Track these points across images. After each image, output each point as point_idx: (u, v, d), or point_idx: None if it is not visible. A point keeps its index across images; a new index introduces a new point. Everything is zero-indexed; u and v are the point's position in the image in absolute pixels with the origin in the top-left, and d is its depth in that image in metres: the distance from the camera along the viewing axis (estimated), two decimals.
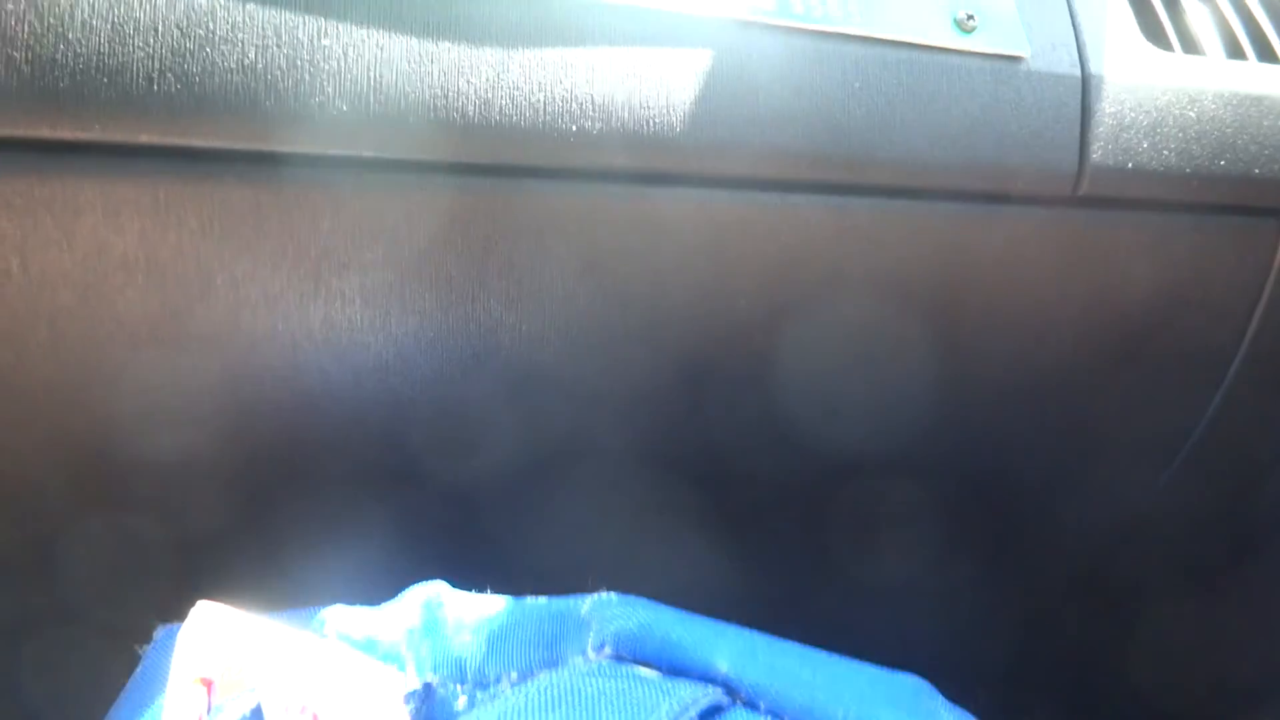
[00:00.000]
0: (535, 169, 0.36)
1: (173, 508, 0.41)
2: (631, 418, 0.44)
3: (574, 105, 0.35)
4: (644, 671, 0.27)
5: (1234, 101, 0.45)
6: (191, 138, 0.32)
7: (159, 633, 0.30)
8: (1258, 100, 0.45)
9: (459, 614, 0.30)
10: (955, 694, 0.28)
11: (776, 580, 0.57)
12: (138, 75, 0.31)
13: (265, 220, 0.34)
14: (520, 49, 0.35)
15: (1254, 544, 0.61)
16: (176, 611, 0.29)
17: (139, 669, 0.29)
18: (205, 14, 0.32)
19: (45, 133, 0.31)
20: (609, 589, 0.29)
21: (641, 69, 0.36)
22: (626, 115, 0.36)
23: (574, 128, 0.35)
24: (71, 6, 0.31)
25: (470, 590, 0.31)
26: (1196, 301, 0.47)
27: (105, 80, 0.31)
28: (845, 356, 0.45)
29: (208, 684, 0.24)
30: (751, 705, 0.26)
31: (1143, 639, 0.65)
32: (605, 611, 0.28)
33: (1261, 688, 0.60)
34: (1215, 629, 0.63)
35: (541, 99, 0.35)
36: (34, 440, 0.37)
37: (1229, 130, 0.44)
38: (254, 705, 0.24)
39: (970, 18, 0.41)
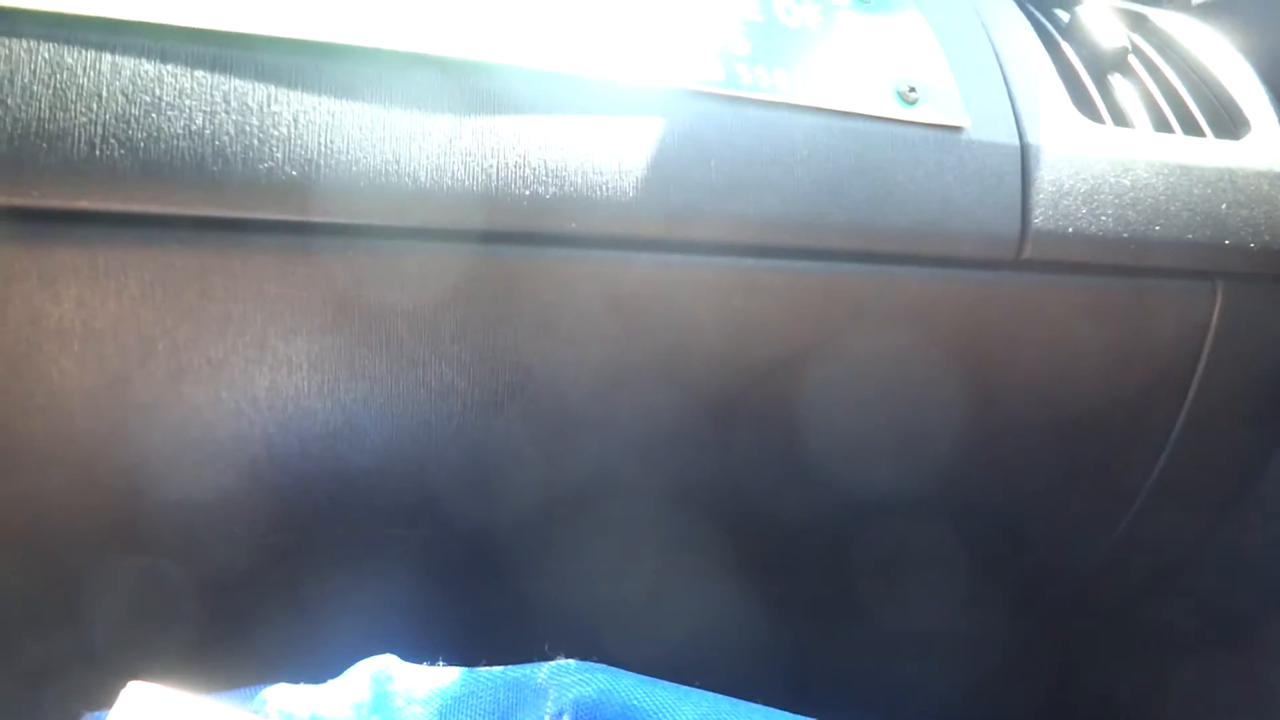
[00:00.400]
0: (488, 234, 0.36)
1: (106, 585, 0.39)
2: (592, 482, 0.44)
3: (527, 171, 0.36)
4: None
5: (1164, 171, 0.46)
6: (134, 203, 0.32)
7: None
8: (1187, 170, 0.47)
9: (409, 686, 0.28)
10: None
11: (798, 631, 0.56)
12: (79, 141, 0.31)
13: (210, 285, 0.33)
14: (473, 116, 0.35)
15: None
16: (105, 699, 0.28)
17: None
18: (152, 80, 0.32)
19: None
20: (571, 656, 0.28)
21: (594, 136, 0.37)
22: (580, 181, 0.36)
23: (527, 193, 0.36)
24: (12, 72, 0.30)
25: (428, 663, 0.30)
26: (1140, 361, 0.48)
27: (45, 146, 0.30)
28: (797, 422, 0.45)
29: None
30: None
31: (1175, 691, 0.64)
32: (563, 678, 0.27)
33: None
34: (1249, 682, 0.62)
35: (494, 165, 0.35)
36: None
37: (1161, 198, 0.46)
38: None
39: (912, 90, 0.42)
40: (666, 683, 0.28)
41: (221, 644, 0.41)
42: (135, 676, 0.26)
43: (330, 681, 0.30)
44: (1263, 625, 0.57)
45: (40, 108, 0.30)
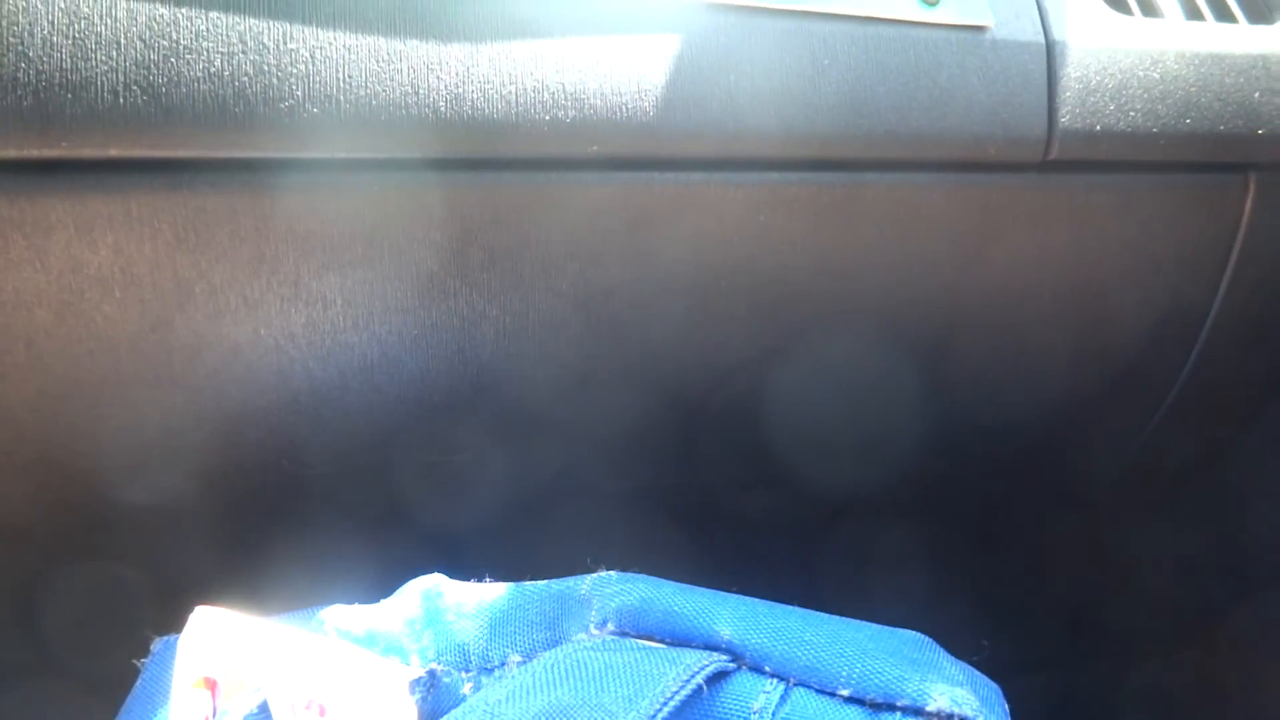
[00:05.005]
0: (510, 161, 0.36)
1: (162, 522, 0.41)
2: (619, 401, 0.44)
3: (545, 95, 0.35)
4: (648, 644, 0.27)
5: (1195, 61, 0.45)
6: (161, 149, 0.32)
7: (156, 645, 0.30)
8: (1219, 59, 0.46)
9: (459, 602, 0.29)
10: None
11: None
12: (103, 89, 0.31)
13: (241, 226, 0.34)
14: (488, 42, 0.35)
15: (1245, 591, 0.62)
16: (174, 624, 0.29)
17: (139, 681, 0.29)
18: (168, 24, 0.32)
19: (11, 153, 0.31)
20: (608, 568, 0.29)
21: (611, 56, 0.36)
22: (599, 103, 0.36)
23: (547, 118, 0.35)
24: (31, 25, 0.30)
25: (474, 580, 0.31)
26: (1169, 260, 0.48)
27: (70, 96, 0.31)
28: (828, 334, 0.45)
29: (211, 685, 0.24)
30: (756, 669, 0.26)
31: (1136, 687, 0.65)
32: (605, 589, 0.28)
33: None
34: (1208, 678, 0.63)
35: (513, 91, 0.35)
36: (20, 461, 0.37)
37: (1192, 89, 0.45)
38: (259, 702, 0.24)
39: None
40: (705, 589, 0.29)
41: (278, 569, 0.43)
42: (200, 602, 0.28)
43: (383, 600, 0.31)
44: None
45: (62, 58, 0.31)
